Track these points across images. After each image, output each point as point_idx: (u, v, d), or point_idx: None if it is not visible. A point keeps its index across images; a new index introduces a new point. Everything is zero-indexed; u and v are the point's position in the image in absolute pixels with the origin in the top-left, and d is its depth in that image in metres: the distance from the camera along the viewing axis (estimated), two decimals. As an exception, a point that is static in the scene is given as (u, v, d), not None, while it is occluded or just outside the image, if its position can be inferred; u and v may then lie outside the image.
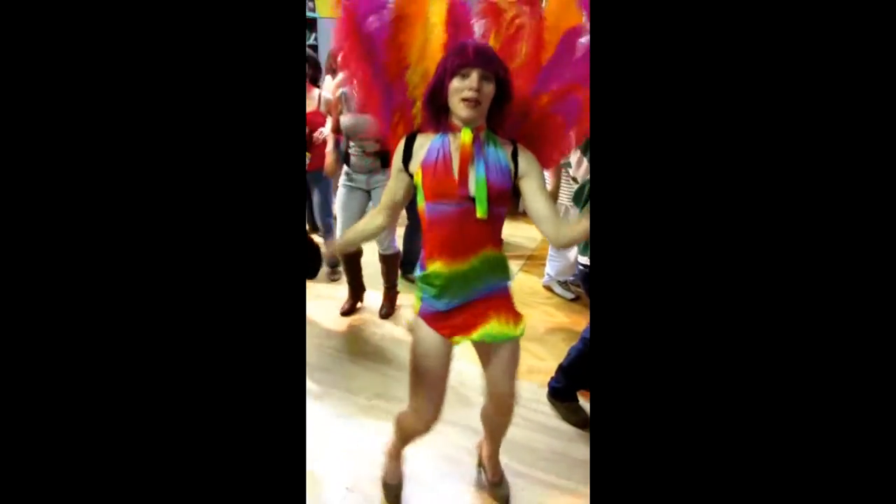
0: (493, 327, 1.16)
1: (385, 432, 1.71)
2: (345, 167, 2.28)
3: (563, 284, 2.80)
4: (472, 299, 1.16)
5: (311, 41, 4.73)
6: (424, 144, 1.11)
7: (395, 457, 1.49)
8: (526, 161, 1.11)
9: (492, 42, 1.18)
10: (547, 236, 1.12)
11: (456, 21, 1.16)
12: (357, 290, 2.56)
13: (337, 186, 2.38)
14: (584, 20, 1.14)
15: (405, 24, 1.16)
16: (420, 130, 1.16)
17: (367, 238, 1.30)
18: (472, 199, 1.07)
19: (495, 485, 1.52)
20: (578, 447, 1.73)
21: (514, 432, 1.70)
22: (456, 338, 1.19)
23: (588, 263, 1.69)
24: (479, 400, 1.91)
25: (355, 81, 1.22)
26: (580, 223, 1.03)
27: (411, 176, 1.13)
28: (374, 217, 1.25)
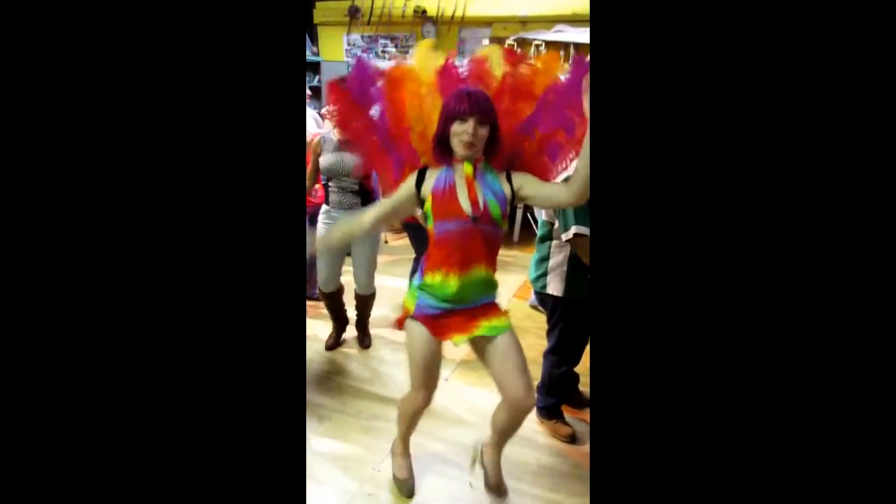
0: (484, 326, 1.37)
1: (383, 451, 1.82)
2: (324, 206, 2.32)
3: None
4: (464, 307, 1.36)
5: (314, 83, 4.98)
6: (433, 175, 1.33)
7: (402, 452, 1.70)
8: (519, 177, 1.33)
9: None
10: (567, 202, 1.25)
11: (447, 84, 1.35)
12: (341, 324, 2.61)
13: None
14: (566, 74, 1.34)
15: (397, 93, 1.38)
16: (427, 166, 1.37)
17: (352, 234, 1.45)
18: (473, 220, 1.28)
19: (494, 487, 1.64)
20: (565, 462, 1.82)
21: (505, 448, 1.79)
22: (455, 338, 1.38)
23: (541, 291, 1.85)
24: (470, 419, 2.02)
25: (361, 147, 1.47)
26: (577, 172, 1.17)
27: (420, 200, 1.33)
28: (363, 216, 1.44)
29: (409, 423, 1.64)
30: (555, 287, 1.78)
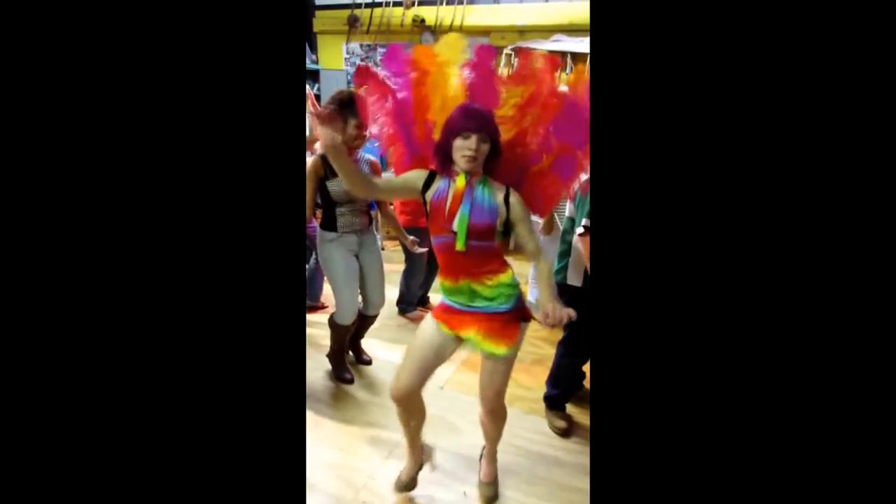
0: (475, 337, 1.41)
1: (378, 459, 1.81)
2: (324, 234, 2.20)
3: None
4: (467, 310, 1.42)
5: (314, 91, 5.00)
6: (437, 184, 1.37)
7: (408, 452, 1.67)
8: (518, 207, 1.36)
9: (509, 106, 1.38)
10: (529, 254, 1.43)
11: (479, 80, 1.36)
12: (343, 352, 2.51)
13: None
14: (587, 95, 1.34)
15: (424, 83, 1.39)
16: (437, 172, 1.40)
17: (352, 178, 1.30)
18: (454, 234, 1.33)
19: (486, 484, 1.68)
20: (560, 472, 1.81)
21: (497, 457, 1.78)
22: (446, 329, 1.44)
23: (562, 283, 1.95)
24: (466, 427, 2.01)
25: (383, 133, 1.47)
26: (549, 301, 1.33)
27: (424, 201, 1.38)
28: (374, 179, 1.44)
29: (402, 421, 1.58)
30: (574, 279, 1.90)
